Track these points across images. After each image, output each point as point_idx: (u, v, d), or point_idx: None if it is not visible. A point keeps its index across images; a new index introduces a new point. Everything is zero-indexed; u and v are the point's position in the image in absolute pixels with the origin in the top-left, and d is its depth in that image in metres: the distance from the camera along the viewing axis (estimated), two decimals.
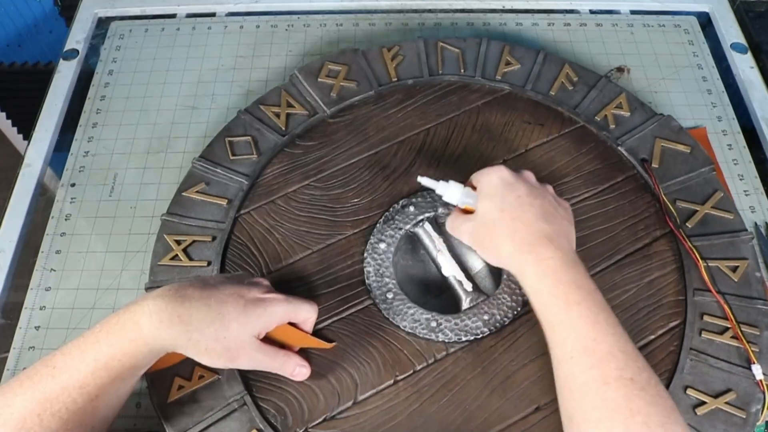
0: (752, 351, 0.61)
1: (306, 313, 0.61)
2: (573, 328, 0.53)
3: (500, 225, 0.59)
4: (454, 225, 0.64)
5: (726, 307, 0.64)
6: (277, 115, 0.77)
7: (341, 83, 0.80)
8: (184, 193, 0.72)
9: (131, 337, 0.52)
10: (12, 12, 1.05)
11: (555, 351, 0.55)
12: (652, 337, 0.63)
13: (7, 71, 1.10)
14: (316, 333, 0.63)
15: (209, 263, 0.67)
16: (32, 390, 0.51)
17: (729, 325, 0.63)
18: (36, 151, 0.81)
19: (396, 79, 0.80)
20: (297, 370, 0.60)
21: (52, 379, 0.51)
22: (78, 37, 0.92)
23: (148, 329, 0.52)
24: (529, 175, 0.63)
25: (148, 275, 0.67)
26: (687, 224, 0.69)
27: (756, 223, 0.74)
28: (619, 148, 0.75)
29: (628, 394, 0.50)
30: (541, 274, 0.56)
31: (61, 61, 0.90)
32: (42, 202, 0.79)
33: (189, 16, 0.95)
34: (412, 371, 0.61)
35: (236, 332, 0.55)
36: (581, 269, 0.57)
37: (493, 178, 0.61)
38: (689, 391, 0.60)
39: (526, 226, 0.58)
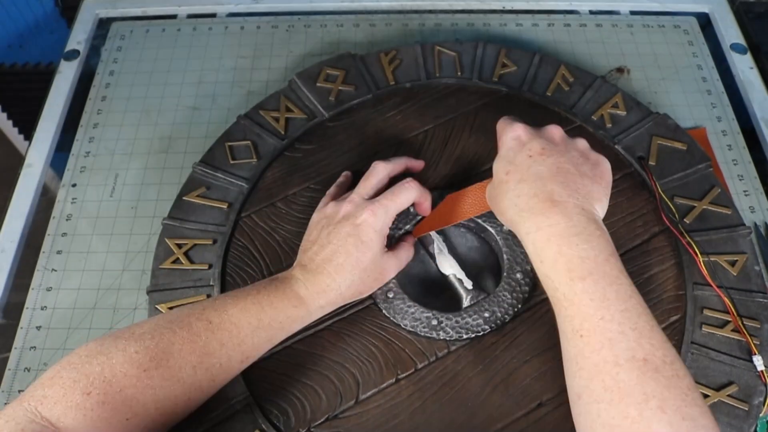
0: (754, 343, 0.62)
1: (405, 199, 0.63)
2: (578, 306, 0.50)
3: (505, 188, 0.56)
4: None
5: (727, 300, 0.64)
6: (276, 120, 0.78)
7: (339, 87, 0.80)
8: (184, 198, 0.72)
9: (294, 304, 0.58)
10: (13, 12, 1.05)
11: (563, 326, 0.52)
12: None
13: (8, 72, 1.10)
14: (317, 333, 0.63)
15: (210, 266, 0.67)
16: (192, 343, 0.53)
17: (729, 319, 0.63)
18: (37, 151, 0.82)
19: (394, 82, 0.81)
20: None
21: (212, 335, 0.53)
22: (79, 37, 0.93)
23: (309, 300, 0.58)
24: (553, 131, 0.59)
25: (150, 279, 0.67)
26: (685, 220, 0.70)
27: (756, 224, 0.74)
28: (616, 146, 0.75)
29: (641, 377, 0.46)
30: (541, 245, 0.53)
31: (62, 61, 0.90)
32: (43, 202, 0.79)
33: (190, 16, 0.96)
34: (413, 370, 0.61)
35: (370, 262, 0.60)
36: (591, 236, 0.52)
37: (507, 139, 0.59)
38: None
39: (531, 189, 0.54)
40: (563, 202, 0.53)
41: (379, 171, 0.65)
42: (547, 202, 0.53)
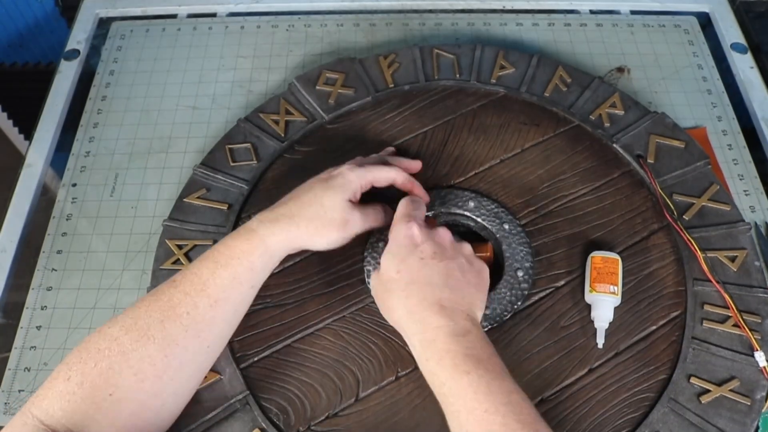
0: (755, 338, 0.62)
1: (386, 174, 0.66)
2: (464, 399, 0.51)
3: (395, 286, 0.58)
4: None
5: (726, 295, 0.64)
6: (276, 123, 0.78)
7: (339, 90, 0.80)
8: (185, 199, 0.72)
9: (247, 237, 0.59)
10: (13, 12, 1.06)
11: (450, 423, 0.52)
12: (654, 327, 0.64)
13: (8, 71, 1.10)
14: (316, 331, 0.63)
15: None
16: (157, 301, 0.55)
17: (730, 314, 0.63)
18: (37, 151, 0.82)
19: (393, 85, 0.81)
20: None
21: (175, 289, 0.56)
22: (79, 37, 0.93)
23: (261, 230, 0.59)
24: (444, 235, 0.61)
25: (150, 279, 0.67)
26: (684, 217, 0.70)
27: (756, 223, 0.74)
28: (615, 145, 0.75)
29: None
30: (427, 343, 0.54)
31: (63, 61, 0.90)
32: (43, 202, 0.79)
33: (190, 16, 0.96)
34: (413, 367, 0.61)
35: (330, 201, 0.61)
36: (475, 337, 0.54)
37: (399, 235, 0.60)
38: (693, 380, 0.60)
39: (421, 293, 0.56)
40: (450, 308, 0.55)
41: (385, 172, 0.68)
42: (435, 307, 0.55)
